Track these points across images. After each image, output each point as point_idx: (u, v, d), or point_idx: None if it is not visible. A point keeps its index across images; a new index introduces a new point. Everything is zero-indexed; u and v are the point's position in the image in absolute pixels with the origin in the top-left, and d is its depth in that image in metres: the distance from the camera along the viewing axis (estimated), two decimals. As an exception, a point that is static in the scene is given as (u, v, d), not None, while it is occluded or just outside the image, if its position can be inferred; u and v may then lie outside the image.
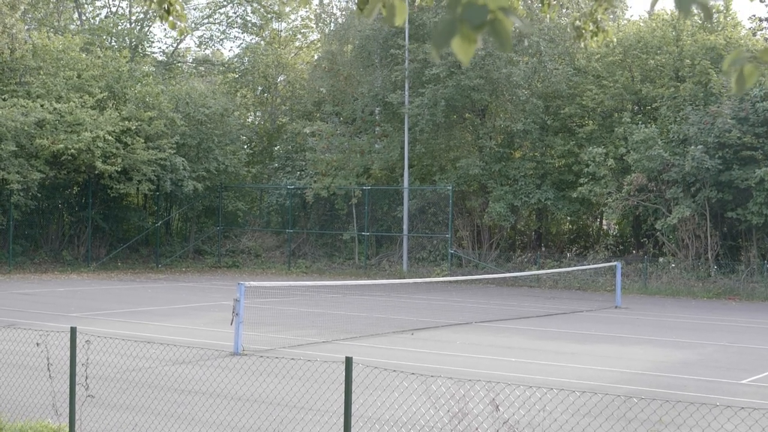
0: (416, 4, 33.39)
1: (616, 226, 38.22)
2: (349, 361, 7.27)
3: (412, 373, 7.55)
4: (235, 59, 48.21)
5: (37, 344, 9.61)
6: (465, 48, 2.62)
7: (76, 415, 8.96)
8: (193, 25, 47.52)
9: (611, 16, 35.08)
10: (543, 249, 35.84)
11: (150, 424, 9.50)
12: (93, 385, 9.30)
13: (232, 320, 15.00)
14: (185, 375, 12.43)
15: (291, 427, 9.36)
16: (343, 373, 7.12)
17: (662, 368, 14.43)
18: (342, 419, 8.17)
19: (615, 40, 32.48)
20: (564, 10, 32.54)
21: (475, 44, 2.62)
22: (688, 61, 32.27)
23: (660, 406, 7.30)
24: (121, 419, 9.73)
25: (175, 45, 49.52)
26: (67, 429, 9.07)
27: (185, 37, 43.15)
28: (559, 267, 31.85)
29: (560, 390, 7.94)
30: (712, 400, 10.67)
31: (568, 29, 33.74)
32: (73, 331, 8.92)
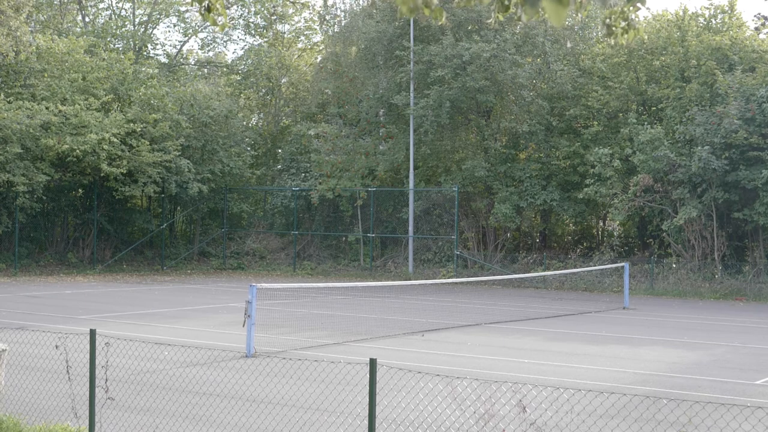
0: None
1: (621, 227, 38.17)
2: (373, 363, 7.23)
3: (437, 375, 7.52)
4: (238, 61, 48.19)
5: (56, 347, 9.60)
6: (558, 9, 2.58)
7: (96, 418, 8.93)
8: (196, 27, 47.53)
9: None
10: (547, 250, 35.81)
11: (170, 426, 9.45)
12: (111, 387, 9.26)
13: (244, 322, 14.96)
14: (201, 377, 12.40)
15: (314, 429, 9.31)
16: (360, 375, 7.07)
17: (675, 369, 14.39)
18: (364, 421, 8.13)
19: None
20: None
21: (568, 6, 2.58)
22: (693, 61, 32.21)
23: (690, 407, 7.27)
24: (140, 422, 9.69)
25: (178, 47, 49.54)
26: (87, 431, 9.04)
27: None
28: (565, 268, 31.81)
29: (588, 391, 7.91)
30: (731, 402, 10.63)
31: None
32: (92, 333, 8.88)
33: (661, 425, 8.04)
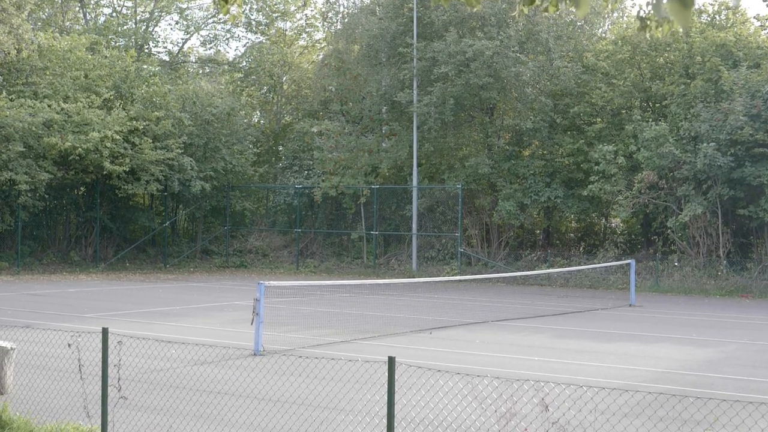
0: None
1: (623, 224, 38.07)
2: (392, 361, 7.13)
3: (457, 374, 7.41)
4: (240, 59, 48.04)
5: (69, 345, 9.48)
6: (681, 11, 2.49)
7: (108, 417, 8.82)
8: (198, 24, 47.38)
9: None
10: (551, 247, 35.72)
11: (183, 426, 9.35)
12: (122, 386, 9.14)
13: (253, 320, 14.85)
14: (210, 376, 12.30)
15: (330, 428, 9.20)
16: (379, 373, 6.95)
17: (687, 367, 14.29)
18: (382, 420, 8.02)
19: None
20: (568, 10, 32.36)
21: (692, 6, 2.50)
22: (698, 58, 32.11)
23: (718, 405, 7.16)
24: (153, 421, 9.58)
25: (180, 45, 49.42)
26: (99, 431, 8.93)
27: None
28: (569, 265, 31.70)
29: (612, 389, 7.80)
30: (746, 399, 10.53)
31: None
32: (105, 331, 8.77)
33: (687, 424, 7.93)
